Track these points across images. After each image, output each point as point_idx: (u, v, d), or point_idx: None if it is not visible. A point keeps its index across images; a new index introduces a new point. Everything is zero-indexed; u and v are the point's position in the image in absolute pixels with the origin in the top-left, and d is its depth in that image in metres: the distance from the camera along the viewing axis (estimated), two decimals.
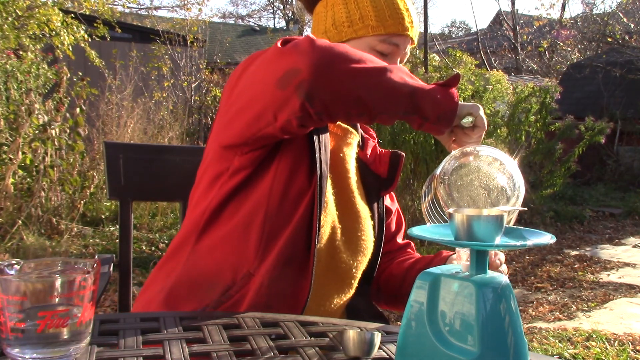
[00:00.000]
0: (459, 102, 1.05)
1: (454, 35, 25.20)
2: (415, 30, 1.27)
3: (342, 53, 0.98)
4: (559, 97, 6.20)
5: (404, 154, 1.38)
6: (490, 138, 4.98)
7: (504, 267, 1.19)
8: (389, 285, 1.39)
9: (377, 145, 1.40)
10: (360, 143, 1.36)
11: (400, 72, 1.02)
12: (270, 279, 1.10)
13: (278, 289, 1.10)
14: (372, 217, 1.30)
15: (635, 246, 5.94)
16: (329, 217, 1.19)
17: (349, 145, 1.30)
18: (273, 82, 1.00)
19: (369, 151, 1.36)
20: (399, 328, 0.78)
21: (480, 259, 0.75)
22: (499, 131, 5.14)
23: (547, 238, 0.76)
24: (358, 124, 1.35)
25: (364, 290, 1.30)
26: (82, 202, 4.97)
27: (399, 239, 1.46)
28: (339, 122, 1.29)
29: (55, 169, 4.75)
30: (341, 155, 1.28)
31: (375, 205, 1.32)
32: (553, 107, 6.14)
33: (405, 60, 1.29)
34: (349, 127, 1.31)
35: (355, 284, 1.26)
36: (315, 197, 1.12)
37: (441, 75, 6.29)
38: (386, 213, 1.40)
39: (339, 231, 1.21)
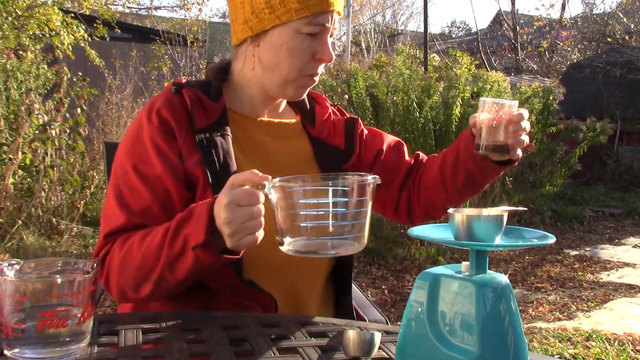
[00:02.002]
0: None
1: (454, 35, 25.21)
2: (339, 2, 1.20)
3: (125, 286, 1.08)
4: (562, 98, 6.19)
5: (358, 118, 1.36)
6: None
7: (525, 137, 1.15)
8: (432, 191, 1.33)
9: (331, 113, 1.36)
10: (310, 119, 1.33)
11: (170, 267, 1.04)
12: (237, 298, 1.12)
13: (247, 303, 1.13)
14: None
15: (635, 246, 5.94)
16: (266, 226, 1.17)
17: (281, 137, 1.28)
18: None
19: (320, 126, 1.33)
20: (399, 328, 0.78)
21: (480, 259, 0.75)
22: None
23: (546, 238, 0.76)
24: (301, 103, 1.34)
25: (343, 282, 1.29)
26: (82, 202, 4.97)
27: (406, 154, 1.41)
28: (264, 119, 1.28)
29: (55, 169, 4.75)
30: (272, 153, 1.25)
31: None
32: (555, 108, 6.13)
33: (334, 34, 1.23)
34: (280, 120, 1.30)
35: (326, 269, 1.25)
36: None
37: (440, 75, 6.28)
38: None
39: None
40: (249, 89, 1.26)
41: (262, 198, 0.96)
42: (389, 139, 1.41)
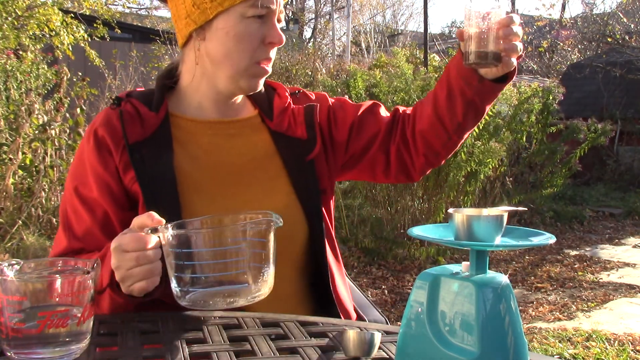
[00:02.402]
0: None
1: (454, 35, 25.22)
2: None
3: None
4: (562, 98, 6.19)
5: (317, 105, 1.26)
6: (492, 139, 4.98)
7: (518, 44, 1.07)
8: (430, 136, 1.23)
9: (291, 102, 1.27)
10: (268, 112, 1.26)
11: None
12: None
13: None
14: (300, 190, 1.20)
15: (635, 246, 5.94)
16: None
17: (235, 136, 1.22)
18: None
19: (279, 118, 1.25)
20: (399, 328, 0.78)
21: (480, 259, 0.75)
22: (501, 134, 5.13)
23: (546, 238, 0.76)
24: (259, 96, 1.27)
25: (324, 288, 1.20)
26: None
27: (382, 112, 1.31)
28: (214, 119, 1.22)
29: (55, 169, 4.74)
30: (225, 152, 1.20)
31: (305, 174, 1.21)
32: (555, 108, 6.13)
33: (282, 19, 1.17)
34: (234, 117, 1.24)
35: (290, 271, 1.17)
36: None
37: (440, 75, 6.25)
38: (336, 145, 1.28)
39: None
40: (197, 89, 1.21)
41: (151, 242, 0.92)
42: (364, 105, 1.33)
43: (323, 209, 1.23)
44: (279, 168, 1.22)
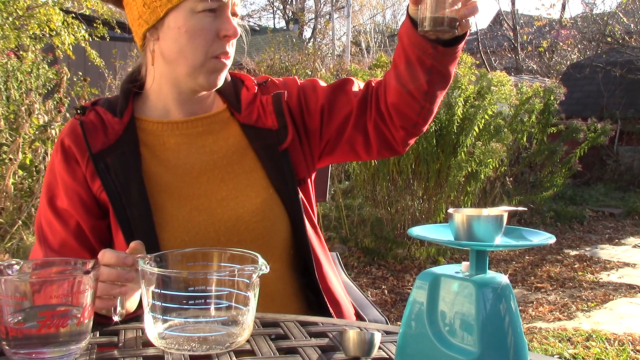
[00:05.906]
0: None
1: None
2: None
3: None
4: (564, 98, 6.19)
5: (284, 92, 1.23)
6: (493, 139, 4.97)
7: (479, 5, 1.01)
8: (402, 107, 1.17)
9: (259, 93, 1.24)
10: (236, 105, 1.23)
11: None
12: None
13: None
14: (277, 182, 1.18)
15: (635, 246, 5.94)
16: (177, 233, 1.12)
17: (203, 134, 1.20)
18: None
19: (247, 110, 1.22)
20: (399, 328, 0.78)
21: (480, 259, 0.75)
22: (502, 134, 5.12)
23: (546, 238, 0.76)
24: (227, 90, 1.24)
25: (306, 274, 1.19)
26: None
27: (355, 89, 1.25)
28: (179, 118, 1.20)
29: None
30: (194, 151, 1.19)
31: (280, 165, 1.19)
32: (556, 109, 6.13)
33: (238, 12, 1.15)
34: (201, 115, 1.21)
35: (278, 267, 1.16)
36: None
37: None
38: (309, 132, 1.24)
39: (212, 233, 1.13)
40: (160, 91, 1.19)
41: (110, 259, 0.92)
42: (335, 84, 1.27)
43: (303, 198, 1.21)
44: (252, 162, 1.19)
